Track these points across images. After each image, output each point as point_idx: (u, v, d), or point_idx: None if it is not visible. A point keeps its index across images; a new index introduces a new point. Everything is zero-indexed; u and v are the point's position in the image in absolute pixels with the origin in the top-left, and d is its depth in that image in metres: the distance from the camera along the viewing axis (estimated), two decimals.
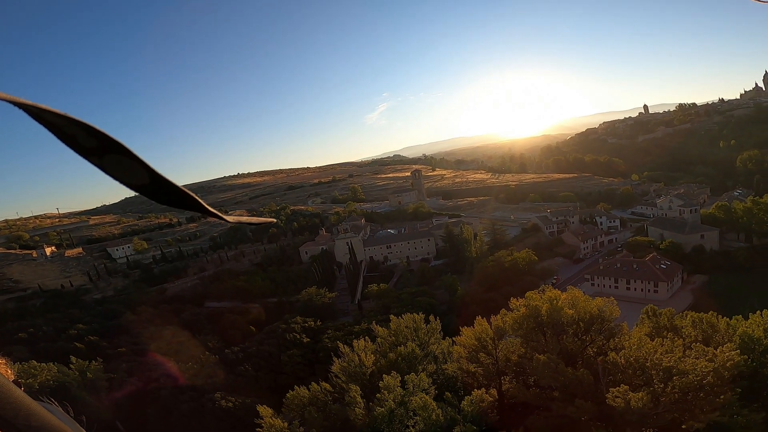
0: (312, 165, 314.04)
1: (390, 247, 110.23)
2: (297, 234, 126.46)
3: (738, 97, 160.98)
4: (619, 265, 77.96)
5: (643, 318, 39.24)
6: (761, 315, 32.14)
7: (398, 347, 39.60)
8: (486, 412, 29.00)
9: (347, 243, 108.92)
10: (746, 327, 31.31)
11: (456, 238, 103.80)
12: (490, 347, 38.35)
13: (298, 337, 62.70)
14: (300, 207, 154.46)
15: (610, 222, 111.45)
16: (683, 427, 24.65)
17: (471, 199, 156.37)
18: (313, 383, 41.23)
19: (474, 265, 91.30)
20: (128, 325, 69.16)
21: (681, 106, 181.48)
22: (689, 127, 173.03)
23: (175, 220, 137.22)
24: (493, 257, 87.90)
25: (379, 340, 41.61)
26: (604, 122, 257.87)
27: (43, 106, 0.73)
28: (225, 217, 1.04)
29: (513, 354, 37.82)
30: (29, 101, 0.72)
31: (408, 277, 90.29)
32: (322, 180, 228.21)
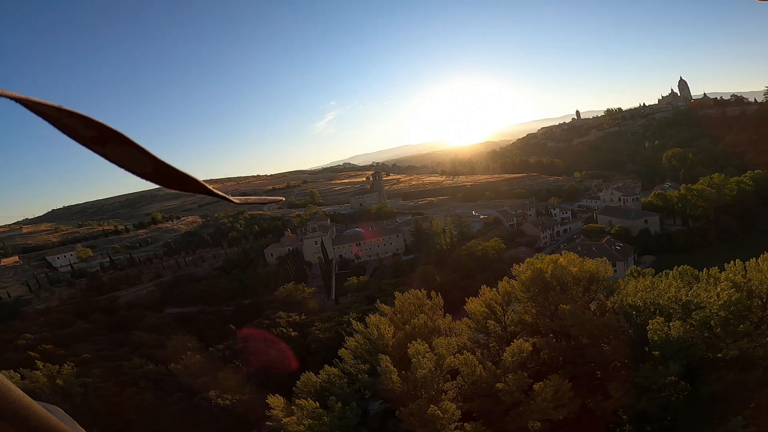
0: (262, 173, 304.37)
1: (359, 244, 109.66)
2: (258, 237, 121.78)
3: (657, 102, 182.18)
4: (580, 248, 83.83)
5: (628, 278, 42.57)
6: (734, 265, 35.48)
7: (413, 320, 39.59)
8: (526, 363, 29.71)
9: (315, 242, 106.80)
10: (726, 275, 34.60)
11: (425, 232, 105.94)
12: (500, 313, 39.56)
13: (285, 331, 60.09)
14: (257, 212, 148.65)
15: (563, 214, 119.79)
16: (719, 355, 26.95)
17: (431, 198, 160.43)
18: (326, 366, 39.97)
19: (446, 257, 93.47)
20: (83, 333, 61.89)
21: (609, 111, 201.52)
22: (617, 130, 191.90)
23: (121, 226, 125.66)
24: (465, 247, 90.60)
25: (388, 317, 41.28)
26: (542, 128, 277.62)
27: (39, 99, 0.74)
28: (232, 198, 1.04)
29: (527, 315, 39.25)
30: (27, 96, 0.73)
31: (382, 271, 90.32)
32: (277, 186, 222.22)
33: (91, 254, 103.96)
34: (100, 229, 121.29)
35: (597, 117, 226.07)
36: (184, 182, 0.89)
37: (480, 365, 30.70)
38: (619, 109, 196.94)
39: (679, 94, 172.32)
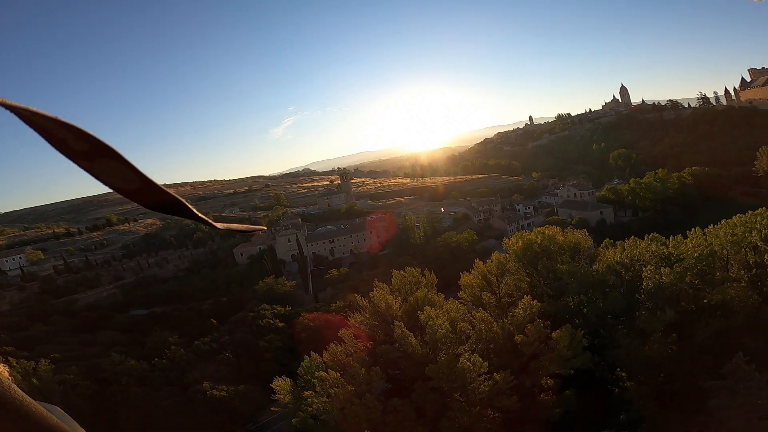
0: (219, 178, 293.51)
1: (333, 241, 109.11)
2: (226, 238, 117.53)
3: (601, 107, 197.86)
4: None
5: (605, 247, 46.30)
6: (695, 231, 39.45)
7: (414, 294, 40.49)
8: (534, 317, 31.34)
9: (288, 239, 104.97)
10: (690, 239, 38.18)
11: (398, 228, 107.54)
12: (494, 284, 41.68)
13: (272, 322, 58.65)
14: (222, 214, 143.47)
15: (526, 209, 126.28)
16: (705, 301, 30.16)
17: (398, 199, 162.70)
18: (331, 344, 39.80)
19: (421, 250, 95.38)
20: (44, 335, 56.71)
21: (559, 116, 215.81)
22: (568, 134, 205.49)
23: (73, 229, 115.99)
24: (441, 239, 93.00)
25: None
26: (498, 133, 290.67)
27: (34, 109, 0.72)
28: (215, 223, 1.02)
29: (522, 282, 41.52)
30: (20, 104, 0.71)
31: (360, 265, 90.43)
32: (237, 190, 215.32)
33: (42, 257, 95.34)
34: (50, 231, 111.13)
35: (548, 122, 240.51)
36: (170, 204, 0.85)
37: (495, 323, 32.16)
38: (569, 114, 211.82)
39: (620, 100, 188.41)
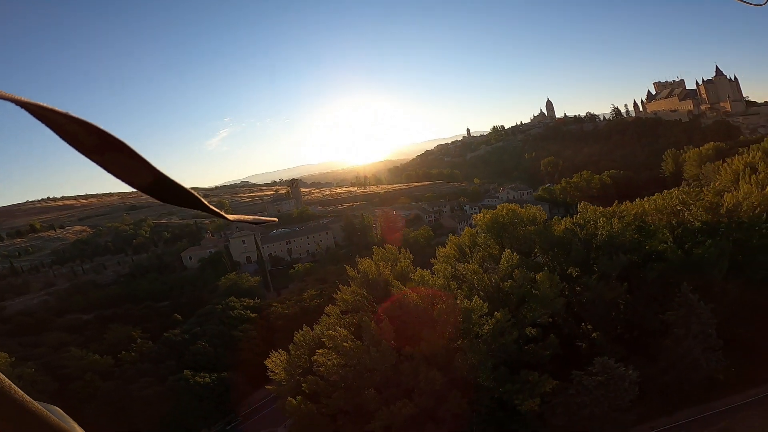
0: None
1: (289, 242, 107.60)
2: (170, 243, 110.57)
3: (530, 120, 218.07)
4: None
5: (556, 221, 52.27)
6: (627, 203, 46.13)
7: (398, 264, 42.69)
8: (515, 267, 34.85)
9: (243, 241, 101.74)
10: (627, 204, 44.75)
11: (354, 226, 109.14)
12: (468, 255, 45.62)
13: (243, 313, 56.90)
14: (162, 221, 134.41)
15: (473, 209, 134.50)
16: (646, 247, 35.93)
17: (350, 204, 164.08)
18: (323, 316, 40.52)
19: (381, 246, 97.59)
20: None
21: (494, 128, 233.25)
22: (502, 144, 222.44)
23: None
24: (399, 236, 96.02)
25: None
26: (438, 145, 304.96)
27: (45, 104, 0.72)
28: (227, 216, 1.03)
29: (493, 249, 45.59)
30: (30, 100, 0.71)
31: (322, 263, 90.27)
32: None
33: None
34: None
35: (484, 135, 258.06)
36: (183, 197, 0.86)
37: (485, 275, 35.22)
38: (503, 126, 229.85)
39: (546, 114, 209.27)
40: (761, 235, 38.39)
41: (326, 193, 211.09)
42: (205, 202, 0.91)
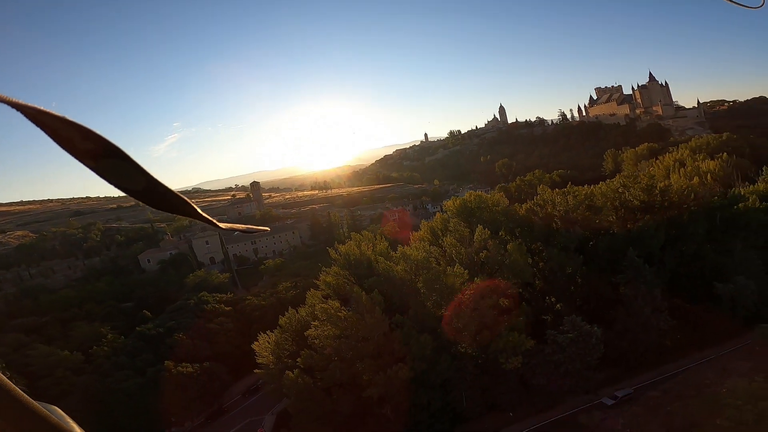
0: (93, 195, 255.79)
1: (255, 242, 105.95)
2: (123, 246, 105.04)
3: (485, 125, 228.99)
4: None
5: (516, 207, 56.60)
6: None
7: (377, 246, 44.83)
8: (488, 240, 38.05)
9: (206, 242, 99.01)
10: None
11: (321, 225, 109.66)
12: (440, 238, 48.96)
13: (218, 307, 56.11)
14: (113, 225, 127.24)
15: (434, 208, 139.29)
16: (596, 221, 40.54)
17: (313, 206, 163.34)
18: (307, 300, 41.61)
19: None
20: None
21: (451, 133, 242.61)
22: (459, 148, 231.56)
23: None
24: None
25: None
26: (397, 150, 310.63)
27: (41, 107, 0.71)
28: (219, 224, 1.03)
29: (464, 230, 48.94)
30: (27, 103, 0.70)
31: (294, 258, 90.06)
32: (122, 204, 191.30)
33: None
34: None
35: (442, 139, 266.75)
36: (176, 204, 0.86)
37: (462, 248, 38.06)
38: (459, 131, 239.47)
39: (499, 119, 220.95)
40: (690, 212, 44.40)
41: (287, 196, 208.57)
42: (198, 209, 0.91)
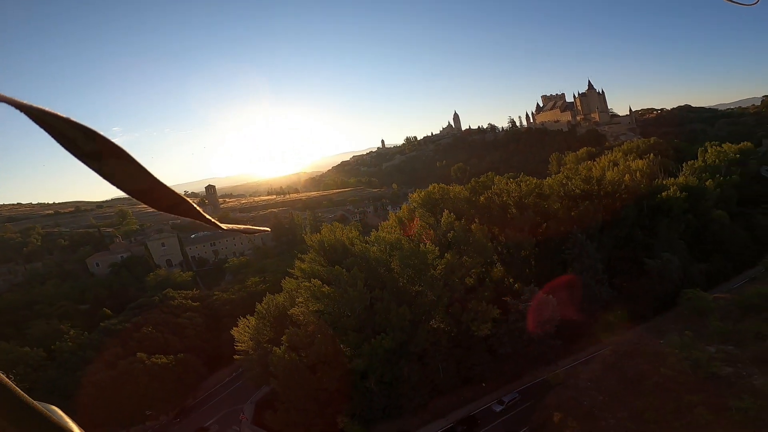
0: (25, 201, 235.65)
1: (214, 244, 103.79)
2: (69, 250, 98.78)
3: (440, 131, 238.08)
4: None
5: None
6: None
7: (349, 234, 47.26)
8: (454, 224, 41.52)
9: (162, 244, 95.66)
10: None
11: (284, 226, 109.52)
12: (407, 226, 52.37)
13: (185, 302, 55.36)
14: (54, 229, 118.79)
15: (395, 209, 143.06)
16: (545, 205, 45.40)
17: (272, 210, 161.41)
18: (286, 279, 43.01)
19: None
20: None
21: (407, 139, 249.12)
22: (416, 154, 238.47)
23: None
24: None
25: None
26: (354, 156, 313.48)
27: (45, 108, 0.72)
28: (220, 224, 1.03)
29: (430, 219, 52.51)
30: (31, 104, 0.71)
31: (259, 256, 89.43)
32: (60, 210, 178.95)
33: None
34: None
35: (398, 146, 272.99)
36: (178, 205, 0.87)
37: (431, 231, 41.30)
38: (415, 137, 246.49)
39: (454, 125, 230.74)
40: (622, 200, 50.85)
41: (243, 201, 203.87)
42: (199, 210, 0.93)
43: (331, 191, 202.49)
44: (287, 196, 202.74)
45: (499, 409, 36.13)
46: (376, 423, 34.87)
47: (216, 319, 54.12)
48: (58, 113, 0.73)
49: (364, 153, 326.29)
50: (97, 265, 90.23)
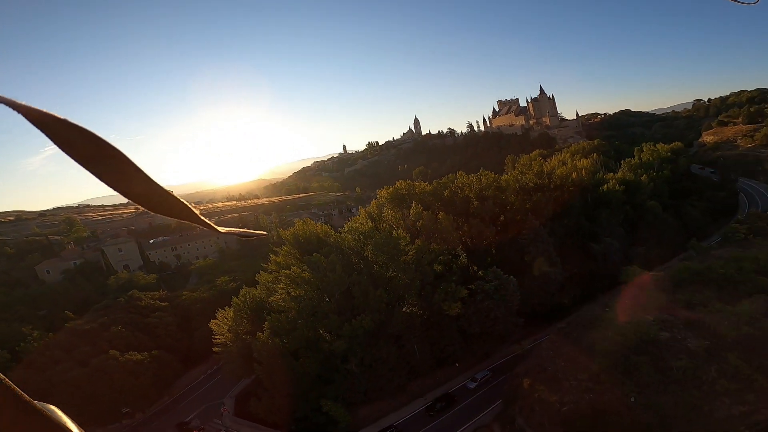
0: None
1: (175, 248, 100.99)
2: (15, 258, 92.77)
3: (401, 136, 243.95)
4: None
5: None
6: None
7: (322, 228, 49.26)
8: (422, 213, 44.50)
9: (119, 249, 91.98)
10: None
11: (249, 228, 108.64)
12: (377, 220, 55.28)
13: (153, 303, 54.44)
14: None
15: (358, 211, 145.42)
16: (503, 197, 49.58)
17: (233, 215, 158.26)
18: (260, 273, 44.20)
19: (280, 245, 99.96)
20: None
21: (369, 144, 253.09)
22: (378, 159, 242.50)
23: None
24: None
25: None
26: (315, 162, 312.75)
27: (44, 110, 0.71)
28: (218, 228, 1.04)
29: (398, 213, 55.28)
30: (29, 105, 0.70)
31: (224, 258, 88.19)
32: (0, 220, 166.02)
33: None
34: None
35: (360, 151, 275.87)
36: (177, 208, 0.87)
37: (401, 220, 44.04)
38: (377, 142, 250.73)
39: (414, 130, 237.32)
40: (569, 192, 56.27)
41: (201, 207, 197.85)
42: (198, 213, 0.93)
43: (294, 196, 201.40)
44: (248, 202, 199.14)
45: (473, 386, 39.21)
46: (359, 406, 36.54)
47: (187, 318, 53.71)
48: (56, 115, 0.72)
49: (326, 159, 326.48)
50: (48, 272, 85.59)
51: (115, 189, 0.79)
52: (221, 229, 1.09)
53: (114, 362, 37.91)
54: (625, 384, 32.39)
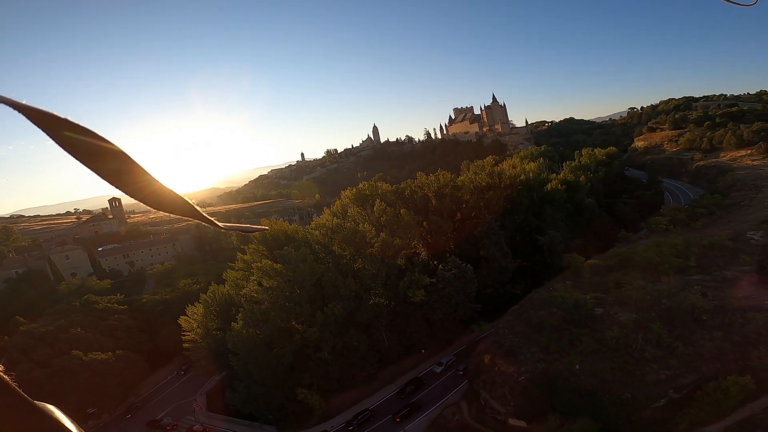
0: None
1: (127, 255, 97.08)
2: None
3: (360, 143, 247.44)
4: None
5: None
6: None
7: (289, 228, 51.08)
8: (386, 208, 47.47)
9: (66, 257, 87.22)
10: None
11: (207, 235, 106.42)
12: (342, 216, 57.68)
13: (111, 306, 53.10)
14: None
15: (318, 215, 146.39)
16: (466, 197, 53.66)
17: (187, 222, 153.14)
18: (227, 271, 45.21)
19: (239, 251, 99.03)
20: None
21: (328, 151, 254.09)
22: (337, 166, 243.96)
23: None
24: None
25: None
26: (272, 170, 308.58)
27: (45, 110, 0.72)
28: (220, 224, 1.08)
29: (363, 212, 57.99)
30: (29, 104, 0.70)
31: (181, 262, 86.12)
32: None
33: None
34: None
35: (318, 159, 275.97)
36: (179, 206, 0.91)
37: (366, 217, 46.67)
38: (336, 150, 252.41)
39: (373, 138, 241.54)
40: (518, 191, 61.71)
41: (151, 215, 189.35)
42: (200, 210, 0.98)
43: (252, 203, 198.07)
44: (203, 209, 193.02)
45: (439, 369, 42.31)
46: (333, 394, 38.24)
47: (149, 321, 52.90)
48: (56, 114, 0.73)
49: (284, 167, 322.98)
50: None
51: (117, 187, 0.80)
52: (222, 225, 1.12)
53: (78, 362, 37.10)
54: (570, 353, 36.75)
